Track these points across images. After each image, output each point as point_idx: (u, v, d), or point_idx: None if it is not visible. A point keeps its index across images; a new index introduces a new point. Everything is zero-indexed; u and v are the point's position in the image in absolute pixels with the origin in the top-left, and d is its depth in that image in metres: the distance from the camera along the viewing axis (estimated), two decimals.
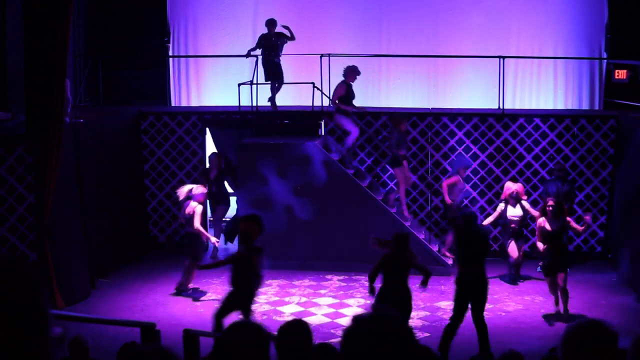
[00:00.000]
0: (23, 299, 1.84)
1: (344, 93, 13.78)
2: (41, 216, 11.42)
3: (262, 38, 14.52)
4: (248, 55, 14.53)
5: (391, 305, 9.72)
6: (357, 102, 14.06)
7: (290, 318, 10.69)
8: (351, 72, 13.81)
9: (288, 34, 14.41)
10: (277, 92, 14.74)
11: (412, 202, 14.70)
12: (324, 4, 16.29)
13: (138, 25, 16.32)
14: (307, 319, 10.45)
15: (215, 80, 16.56)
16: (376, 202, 13.48)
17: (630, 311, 11.52)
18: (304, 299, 12.28)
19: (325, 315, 11.65)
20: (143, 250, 14.73)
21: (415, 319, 11.23)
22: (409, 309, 9.85)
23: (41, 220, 11.40)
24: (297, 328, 4.30)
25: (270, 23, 14.50)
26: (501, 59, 14.53)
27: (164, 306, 11.95)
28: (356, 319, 2.35)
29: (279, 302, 12.23)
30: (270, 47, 14.41)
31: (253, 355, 2.99)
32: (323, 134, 14.80)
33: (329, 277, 13.34)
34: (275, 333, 4.14)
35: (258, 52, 14.47)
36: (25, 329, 1.82)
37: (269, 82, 14.60)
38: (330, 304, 12.12)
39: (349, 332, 2.33)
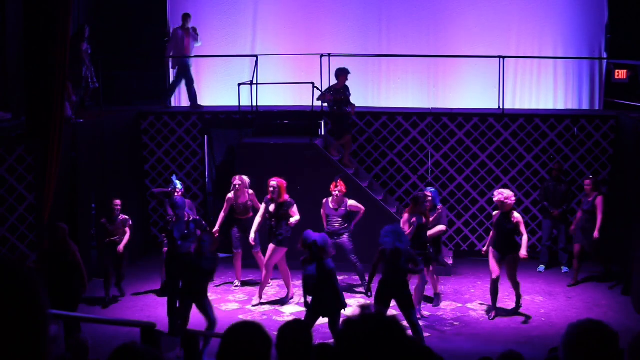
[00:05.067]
0: (22, 299, 1.84)
1: None
2: (41, 216, 11.41)
3: (334, 92, 13.54)
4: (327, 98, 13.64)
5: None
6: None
7: (290, 318, 10.69)
8: None
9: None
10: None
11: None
12: (324, 4, 16.27)
13: (138, 25, 16.31)
14: None
15: (215, 80, 16.55)
16: (377, 203, 13.47)
17: (630, 311, 11.52)
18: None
19: None
20: (143, 250, 14.73)
21: None
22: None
23: (41, 220, 11.39)
24: (297, 328, 4.30)
25: (342, 72, 13.54)
26: (501, 59, 14.53)
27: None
28: (346, 321, 2.34)
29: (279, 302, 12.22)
30: (341, 101, 13.64)
31: (254, 356, 2.99)
32: (323, 134, 14.80)
33: None
34: (275, 333, 4.13)
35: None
36: (25, 328, 1.83)
37: (339, 138, 13.89)
38: None
39: (340, 335, 2.33)
